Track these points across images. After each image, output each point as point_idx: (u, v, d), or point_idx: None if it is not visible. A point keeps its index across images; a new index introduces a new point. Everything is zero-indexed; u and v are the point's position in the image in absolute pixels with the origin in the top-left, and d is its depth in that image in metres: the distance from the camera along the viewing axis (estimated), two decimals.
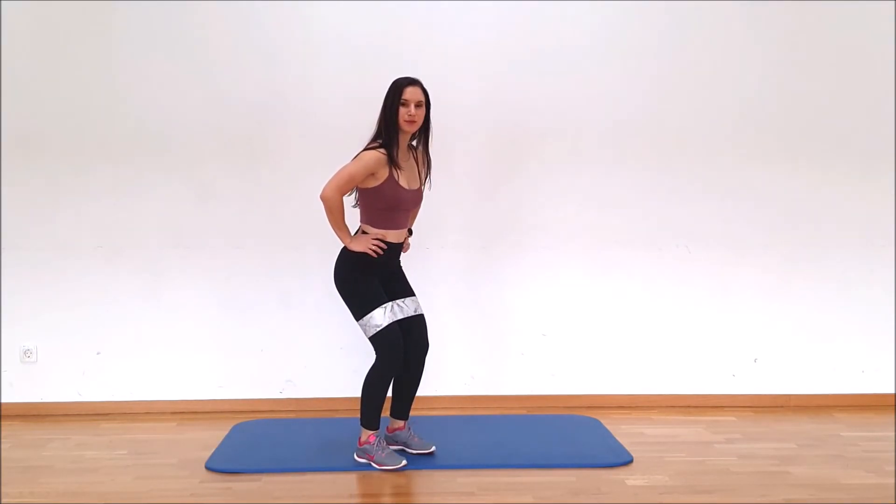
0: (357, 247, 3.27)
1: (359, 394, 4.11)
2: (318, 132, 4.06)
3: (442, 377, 4.21)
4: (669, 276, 4.22)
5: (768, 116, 4.17)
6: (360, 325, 3.35)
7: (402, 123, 3.22)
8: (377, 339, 3.32)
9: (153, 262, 4.10)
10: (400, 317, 3.38)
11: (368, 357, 4.18)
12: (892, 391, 4.27)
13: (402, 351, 3.35)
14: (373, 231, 3.32)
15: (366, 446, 3.38)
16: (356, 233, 3.37)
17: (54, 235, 4.07)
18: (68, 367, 4.13)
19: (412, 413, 3.59)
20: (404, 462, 3.34)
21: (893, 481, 3.24)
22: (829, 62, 4.15)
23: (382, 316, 3.30)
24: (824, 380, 4.27)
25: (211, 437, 3.76)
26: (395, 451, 3.45)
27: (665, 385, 4.25)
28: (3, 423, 3.99)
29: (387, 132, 3.23)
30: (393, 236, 3.34)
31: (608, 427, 3.87)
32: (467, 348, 4.23)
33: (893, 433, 3.83)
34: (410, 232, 3.58)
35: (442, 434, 3.77)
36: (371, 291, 3.32)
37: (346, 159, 4.07)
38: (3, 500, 3.09)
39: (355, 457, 3.41)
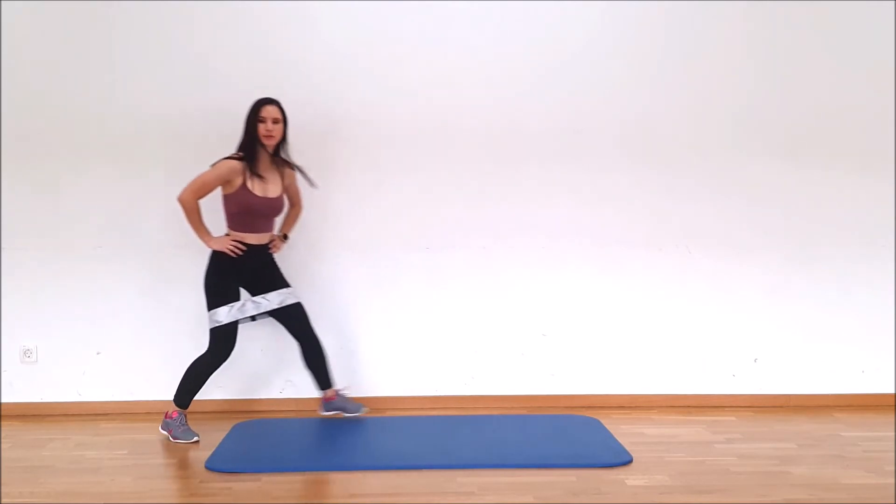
0: (215, 245, 3.65)
1: (358, 394, 4.14)
2: (317, 133, 4.07)
3: (442, 377, 4.22)
4: (669, 276, 4.22)
5: (768, 116, 4.17)
6: (208, 315, 3.71)
7: (260, 138, 3.60)
8: (214, 333, 3.69)
9: (153, 262, 4.10)
10: (252, 313, 3.75)
11: (368, 357, 4.20)
12: (892, 391, 4.27)
13: (231, 349, 3.72)
14: (233, 234, 3.68)
15: (169, 420, 3.75)
16: (221, 235, 3.71)
17: (54, 235, 4.07)
18: (68, 367, 4.13)
19: (415, 413, 3.64)
20: (196, 438, 3.70)
21: (893, 481, 3.24)
22: (829, 62, 4.15)
23: (225, 314, 3.67)
24: (824, 380, 4.27)
25: (211, 437, 3.76)
26: (331, 416, 3.94)
27: (665, 385, 4.25)
28: (3, 423, 3.99)
29: (248, 146, 3.61)
30: (252, 239, 3.69)
31: (608, 427, 3.87)
32: (467, 348, 4.23)
33: (893, 433, 3.83)
34: (285, 237, 3.91)
35: (442, 434, 3.78)
36: (223, 290, 3.68)
37: (343, 159, 4.12)
38: (3, 500, 3.09)
39: (160, 428, 3.78)
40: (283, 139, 3.70)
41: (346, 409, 3.93)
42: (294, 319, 3.82)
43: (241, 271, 3.70)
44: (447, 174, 4.14)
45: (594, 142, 4.15)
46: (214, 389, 4.14)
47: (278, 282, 3.82)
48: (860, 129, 4.18)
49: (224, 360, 3.72)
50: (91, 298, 4.11)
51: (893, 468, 3.37)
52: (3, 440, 3.75)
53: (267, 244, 3.77)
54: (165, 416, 3.77)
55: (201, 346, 4.13)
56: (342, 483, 3.25)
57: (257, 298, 3.75)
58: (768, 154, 4.18)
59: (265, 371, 4.20)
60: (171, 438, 3.72)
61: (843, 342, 4.27)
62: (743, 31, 4.13)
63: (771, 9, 4.10)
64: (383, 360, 4.21)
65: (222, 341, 3.69)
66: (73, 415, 4.10)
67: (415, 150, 4.10)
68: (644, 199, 4.19)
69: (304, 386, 4.19)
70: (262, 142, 3.61)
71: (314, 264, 4.14)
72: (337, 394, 3.94)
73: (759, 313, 4.25)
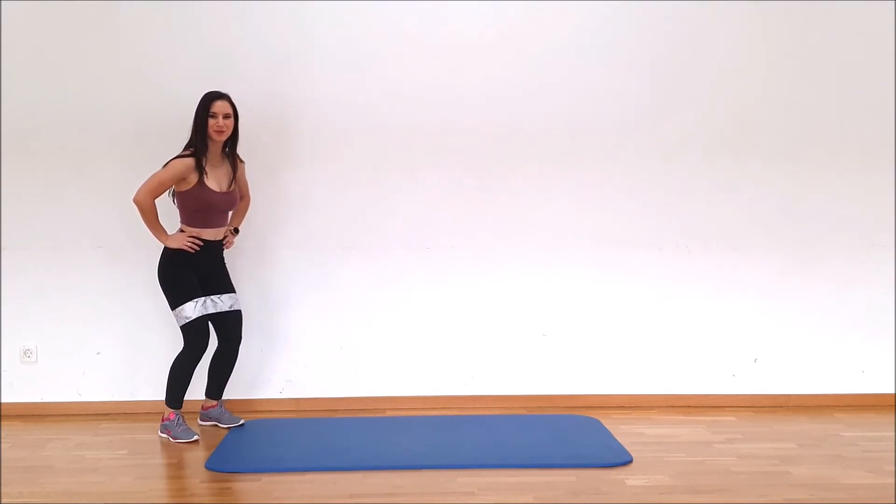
0: (173, 244, 3.64)
1: (358, 394, 4.14)
2: (316, 133, 4.07)
3: (442, 377, 4.22)
4: (669, 276, 4.22)
5: (769, 116, 4.17)
6: (173, 314, 3.69)
7: (211, 133, 3.59)
8: (185, 330, 3.67)
9: (153, 263, 4.09)
10: (212, 311, 3.74)
11: (368, 357, 4.20)
12: (892, 391, 4.27)
13: (207, 342, 3.71)
14: (189, 230, 3.66)
15: (166, 423, 3.75)
16: (176, 232, 3.69)
17: (54, 235, 4.07)
18: (68, 367, 4.13)
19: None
20: (196, 437, 3.70)
21: (893, 481, 3.24)
22: (829, 62, 4.15)
23: (193, 309, 3.65)
24: (824, 380, 4.27)
25: (211, 437, 3.76)
26: (208, 426, 3.91)
27: (665, 385, 4.25)
28: (3, 423, 3.99)
29: (198, 141, 3.58)
30: (209, 234, 3.69)
31: (608, 427, 3.87)
32: (467, 348, 4.23)
33: (893, 433, 3.83)
34: (236, 231, 3.90)
35: (442, 434, 3.78)
36: (185, 286, 3.66)
37: (344, 160, 4.12)
38: (3, 500, 3.09)
39: (159, 433, 3.77)
40: (234, 134, 3.68)
41: (223, 420, 3.90)
42: (231, 326, 3.83)
43: (196, 267, 3.69)
44: (448, 174, 4.13)
45: (594, 142, 4.14)
46: None
47: (228, 285, 3.84)
48: (860, 129, 4.18)
49: (201, 354, 3.71)
50: (91, 298, 4.11)
51: (893, 468, 3.37)
52: (3, 440, 3.76)
53: (222, 240, 3.78)
54: (162, 420, 3.78)
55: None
56: (342, 483, 3.24)
57: (213, 298, 3.75)
58: (768, 154, 4.18)
59: (265, 371, 4.20)
60: (171, 440, 3.72)
61: (843, 342, 4.26)
62: (743, 31, 4.12)
63: (771, 9, 4.10)
64: (383, 360, 4.21)
65: (195, 336, 3.67)
66: (73, 415, 4.10)
67: (416, 150, 4.10)
68: (644, 199, 4.19)
69: (304, 386, 4.20)
70: (212, 137, 3.60)
71: (314, 264, 4.14)
72: (219, 405, 3.93)
73: (759, 313, 4.25)
